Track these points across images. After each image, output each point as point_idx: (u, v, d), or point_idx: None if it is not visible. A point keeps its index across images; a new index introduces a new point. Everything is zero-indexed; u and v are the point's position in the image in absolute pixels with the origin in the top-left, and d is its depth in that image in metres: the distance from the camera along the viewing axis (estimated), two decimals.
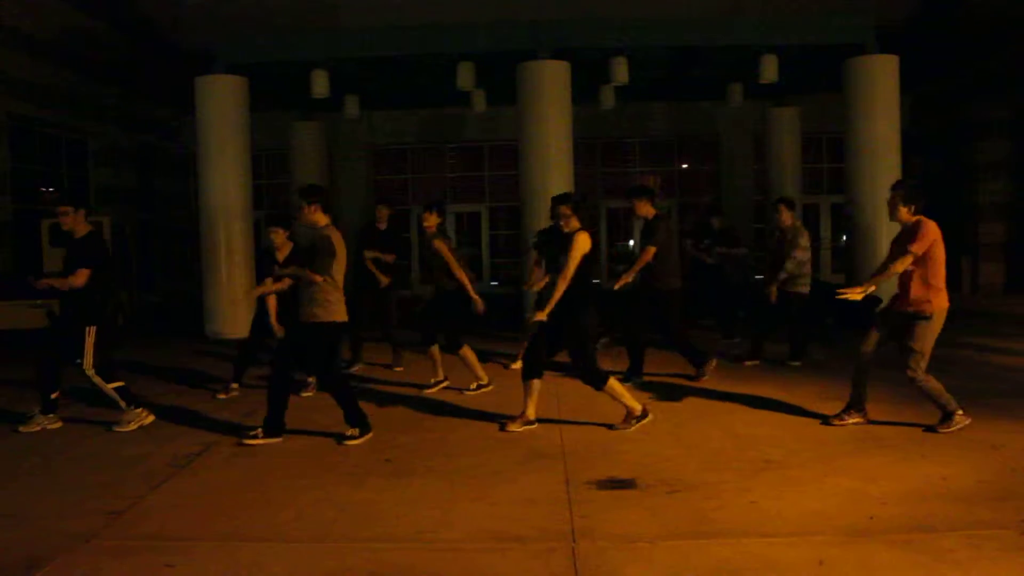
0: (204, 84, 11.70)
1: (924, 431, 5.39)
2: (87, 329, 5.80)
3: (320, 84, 12.27)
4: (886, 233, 11.49)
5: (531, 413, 5.77)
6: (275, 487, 4.62)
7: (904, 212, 5.45)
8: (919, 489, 4.27)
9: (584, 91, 12.53)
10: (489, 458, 5.07)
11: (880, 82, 11.49)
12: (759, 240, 17.38)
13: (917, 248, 5.28)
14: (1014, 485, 4.31)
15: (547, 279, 6.42)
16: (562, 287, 5.47)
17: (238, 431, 5.83)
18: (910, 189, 5.53)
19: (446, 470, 4.85)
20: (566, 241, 5.55)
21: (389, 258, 8.23)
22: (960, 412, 5.35)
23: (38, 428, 5.93)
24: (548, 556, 3.53)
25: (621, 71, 12.05)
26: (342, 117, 15.19)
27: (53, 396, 5.96)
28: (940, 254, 5.37)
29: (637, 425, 5.66)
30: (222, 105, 11.66)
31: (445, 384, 7.26)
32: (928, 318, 5.34)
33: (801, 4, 12.68)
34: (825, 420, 5.77)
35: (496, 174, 19.36)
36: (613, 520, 3.94)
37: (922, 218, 5.40)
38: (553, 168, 11.37)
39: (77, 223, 5.88)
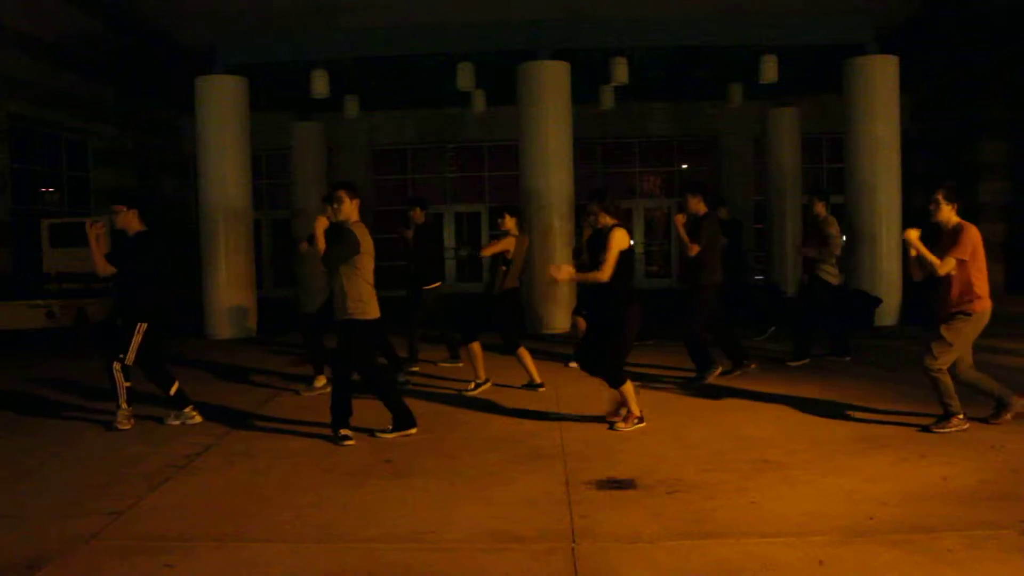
0: (204, 84, 11.70)
1: (920, 431, 5.38)
2: (137, 326, 5.89)
3: (320, 84, 12.27)
4: (885, 233, 11.52)
5: (636, 410, 5.71)
6: (275, 487, 4.62)
7: (948, 211, 5.40)
8: (919, 489, 4.27)
9: (584, 91, 12.53)
10: (489, 458, 5.07)
11: (880, 82, 11.48)
12: (759, 240, 17.40)
13: (961, 254, 5.25)
14: (1014, 485, 4.31)
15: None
16: (598, 278, 5.51)
17: (237, 432, 5.84)
18: (951, 189, 5.44)
19: (446, 470, 4.85)
20: (603, 237, 5.59)
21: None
22: (961, 416, 5.34)
23: (179, 423, 6.05)
24: (548, 556, 3.53)
25: (621, 71, 12.05)
26: (342, 117, 15.20)
27: (173, 391, 6.07)
28: (982, 259, 5.32)
29: (636, 427, 5.67)
30: (222, 105, 11.66)
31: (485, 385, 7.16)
32: (969, 315, 5.31)
33: (801, 4, 12.70)
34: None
35: (496, 174, 19.37)
36: (613, 520, 3.94)
37: (963, 222, 5.37)
38: (553, 168, 11.37)
39: (129, 221, 5.98)
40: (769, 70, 12.04)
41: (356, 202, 5.51)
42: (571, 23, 11.94)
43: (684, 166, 19.76)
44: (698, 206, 7.33)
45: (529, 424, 5.90)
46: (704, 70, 13.96)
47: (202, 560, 3.58)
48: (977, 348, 8.85)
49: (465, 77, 12.27)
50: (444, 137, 19.06)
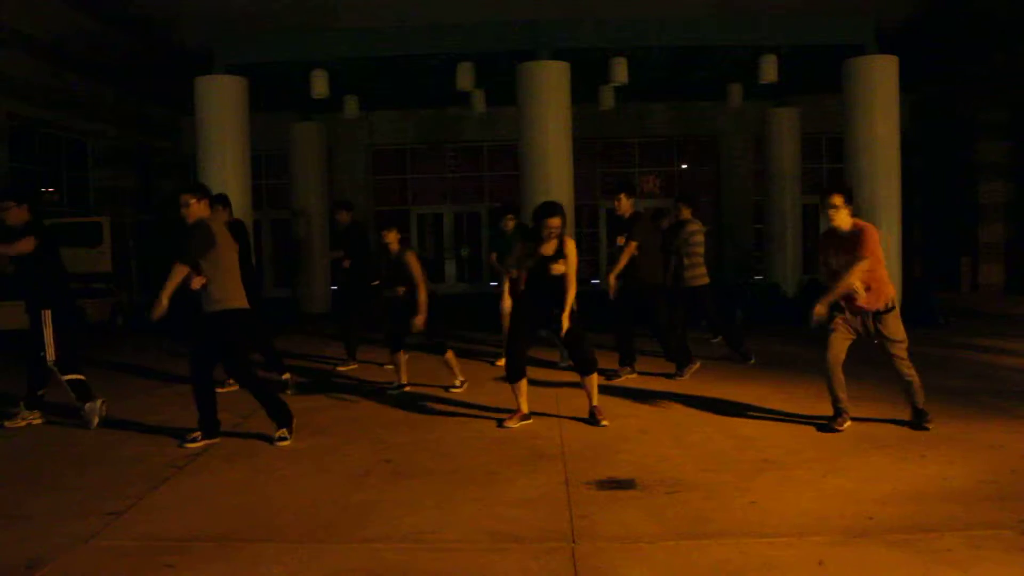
0: (204, 84, 11.70)
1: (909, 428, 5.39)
2: (43, 315, 5.90)
3: (320, 84, 12.27)
4: (884, 233, 11.50)
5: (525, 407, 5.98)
6: (274, 487, 4.62)
7: (846, 215, 5.35)
8: (919, 489, 4.27)
9: (584, 91, 12.52)
10: (489, 458, 5.07)
11: (880, 82, 11.49)
12: (759, 240, 17.41)
13: (869, 253, 5.21)
14: (1014, 485, 4.31)
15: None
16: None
17: (236, 432, 5.84)
18: (850, 191, 5.52)
19: (446, 470, 4.85)
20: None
21: (345, 261, 8.47)
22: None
23: (23, 424, 6.04)
24: (548, 556, 3.53)
25: (621, 71, 12.06)
26: (342, 117, 15.19)
27: (40, 392, 6.09)
28: (880, 250, 5.36)
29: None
30: (222, 105, 11.66)
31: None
32: (894, 308, 5.41)
33: (801, 4, 12.69)
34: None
35: (496, 174, 19.37)
36: (613, 520, 3.94)
37: (859, 222, 5.39)
38: (553, 168, 11.36)
39: (20, 217, 5.89)
40: (769, 70, 12.04)
41: (205, 202, 5.67)
42: (571, 23, 11.93)
43: (684, 166, 19.76)
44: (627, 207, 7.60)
45: (529, 424, 5.90)
46: (704, 70, 13.97)
47: (202, 560, 3.58)
48: (978, 348, 8.88)
49: (465, 77, 12.26)
50: (444, 137, 19.05)
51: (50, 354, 5.87)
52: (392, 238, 7.09)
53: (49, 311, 5.90)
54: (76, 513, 4.17)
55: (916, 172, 16.35)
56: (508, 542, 3.72)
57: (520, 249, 5.93)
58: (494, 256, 8.76)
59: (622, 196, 7.60)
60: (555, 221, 5.65)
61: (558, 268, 5.68)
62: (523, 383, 5.89)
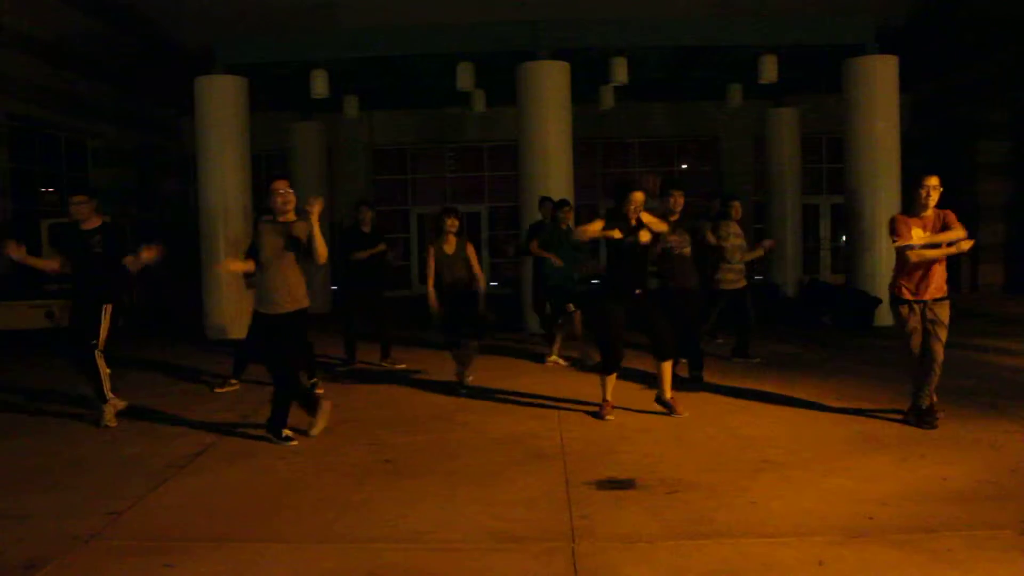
0: (204, 84, 11.69)
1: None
2: (104, 308, 6.06)
3: (320, 84, 12.26)
4: (885, 234, 11.47)
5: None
6: (274, 487, 4.62)
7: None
8: (919, 489, 4.27)
9: (584, 91, 12.51)
10: (489, 458, 5.07)
11: (880, 82, 11.47)
12: (758, 240, 17.39)
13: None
14: (1014, 485, 4.31)
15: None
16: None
17: (237, 432, 5.84)
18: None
19: (446, 470, 4.85)
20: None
21: (363, 255, 8.34)
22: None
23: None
24: (548, 556, 3.53)
25: (621, 71, 12.05)
26: (342, 117, 15.19)
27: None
28: None
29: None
30: (222, 105, 11.65)
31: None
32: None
33: (801, 4, 12.69)
34: None
35: (496, 174, 19.37)
36: (613, 520, 3.95)
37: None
38: (553, 169, 11.35)
39: (90, 212, 6.14)
40: (769, 70, 12.02)
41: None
42: (571, 23, 11.93)
43: (684, 166, 19.75)
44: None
45: (529, 424, 5.91)
46: (704, 70, 13.95)
47: (202, 560, 3.58)
48: (978, 348, 8.88)
49: (465, 77, 12.25)
50: (444, 137, 19.04)
51: (101, 343, 6.04)
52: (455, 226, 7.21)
53: (110, 305, 6.09)
54: (76, 513, 4.17)
55: (916, 172, 16.32)
56: (508, 542, 3.72)
57: (609, 230, 5.83)
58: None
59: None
60: (639, 195, 5.72)
61: (644, 235, 5.71)
62: (613, 376, 6.01)
